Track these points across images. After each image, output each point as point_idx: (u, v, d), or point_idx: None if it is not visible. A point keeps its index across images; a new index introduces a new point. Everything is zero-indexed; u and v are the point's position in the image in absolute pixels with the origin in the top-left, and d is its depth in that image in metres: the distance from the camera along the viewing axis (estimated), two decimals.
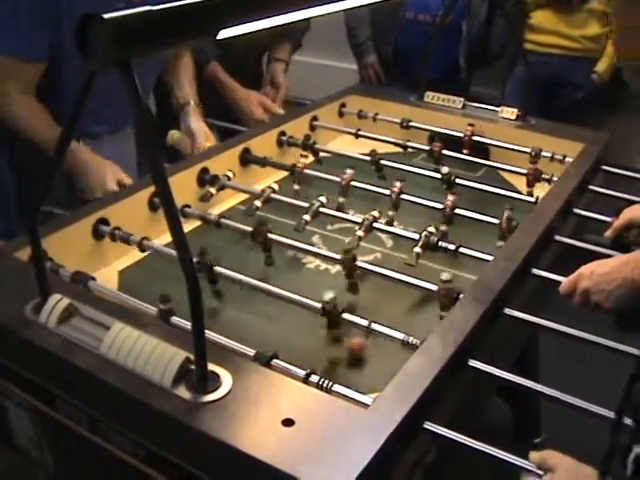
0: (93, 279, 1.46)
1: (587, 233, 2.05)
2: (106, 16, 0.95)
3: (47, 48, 1.94)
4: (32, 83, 1.97)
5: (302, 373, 1.19)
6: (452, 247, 1.60)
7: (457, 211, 1.79)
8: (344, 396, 1.15)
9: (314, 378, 1.18)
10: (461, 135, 2.25)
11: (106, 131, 2.16)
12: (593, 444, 1.20)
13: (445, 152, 2.17)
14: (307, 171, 2.01)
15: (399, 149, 2.27)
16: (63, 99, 1.95)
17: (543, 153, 2.10)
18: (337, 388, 1.16)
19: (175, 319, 1.32)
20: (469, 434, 1.11)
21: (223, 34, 1.12)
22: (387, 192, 1.86)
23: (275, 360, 1.22)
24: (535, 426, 2.63)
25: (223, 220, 1.72)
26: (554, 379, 1.39)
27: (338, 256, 1.55)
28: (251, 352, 1.24)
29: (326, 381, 1.17)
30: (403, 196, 1.85)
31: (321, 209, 1.75)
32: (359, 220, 1.71)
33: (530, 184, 2.00)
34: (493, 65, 3.51)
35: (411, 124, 2.34)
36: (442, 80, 2.95)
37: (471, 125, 2.25)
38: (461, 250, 1.60)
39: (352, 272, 1.53)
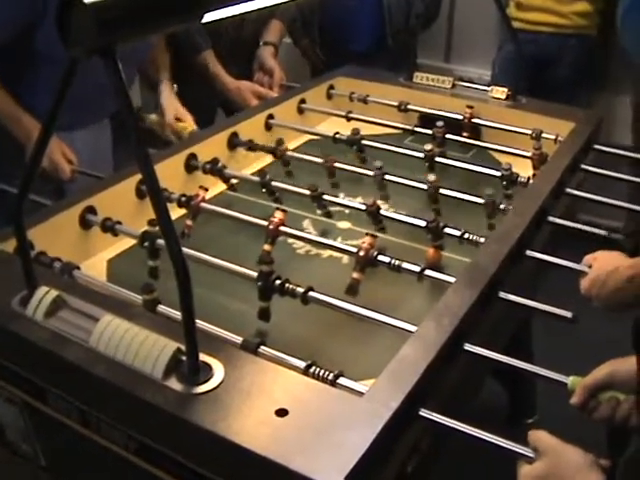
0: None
1: (580, 213, 2.04)
2: (87, 1, 0.92)
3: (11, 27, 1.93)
4: None
5: (295, 361, 1.17)
6: (458, 233, 1.57)
7: (443, 192, 1.76)
8: (338, 384, 1.13)
9: (307, 366, 1.16)
10: (453, 116, 2.23)
11: (81, 123, 2.14)
12: (587, 426, 1.21)
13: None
14: (295, 154, 1.98)
15: (390, 130, 2.25)
16: (38, 68, 1.95)
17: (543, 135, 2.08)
18: (331, 376, 1.14)
19: (162, 307, 1.30)
20: (465, 419, 1.10)
21: (208, 17, 1.10)
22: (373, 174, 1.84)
23: (263, 347, 1.20)
24: (530, 408, 2.63)
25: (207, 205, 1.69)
26: (548, 359, 1.38)
27: (326, 241, 1.58)
28: (238, 339, 1.23)
29: (319, 369, 1.15)
30: (390, 177, 1.83)
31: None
32: (355, 205, 1.72)
33: (535, 167, 1.97)
34: (425, 30, 3.50)
35: (409, 107, 2.32)
36: (371, 53, 3.09)
37: (470, 107, 2.23)
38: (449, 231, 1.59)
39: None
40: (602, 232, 1.65)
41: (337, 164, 1.91)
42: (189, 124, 2.25)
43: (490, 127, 2.21)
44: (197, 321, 1.05)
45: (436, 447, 1.21)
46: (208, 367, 1.08)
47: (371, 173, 1.85)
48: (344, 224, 1.81)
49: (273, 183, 1.80)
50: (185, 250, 1.07)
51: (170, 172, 1.79)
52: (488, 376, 1.92)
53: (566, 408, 1.20)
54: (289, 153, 2.00)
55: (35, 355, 1.17)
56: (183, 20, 1.10)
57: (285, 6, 3.07)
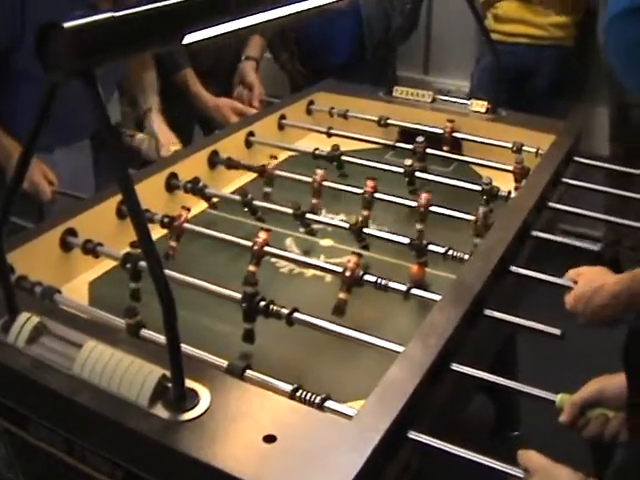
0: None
1: (561, 223, 2.05)
2: (66, 25, 0.91)
3: None
4: None
5: (281, 385, 1.16)
6: (442, 250, 1.57)
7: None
8: (326, 407, 1.12)
9: (294, 389, 1.15)
10: (433, 130, 2.22)
11: (61, 143, 2.12)
12: (570, 436, 1.21)
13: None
14: (277, 172, 1.97)
15: (370, 145, 2.25)
16: (18, 89, 1.96)
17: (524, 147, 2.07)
18: (318, 400, 1.12)
19: (145, 332, 1.28)
20: (453, 438, 1.09)
21: (188, 39, 1.09)
22: (358, 191, 1.83)
23: (249, 371, 1.19)
24: (515, 421, 2.62)
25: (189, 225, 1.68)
26: (534, 374, 1.38)
27: (311, 261, 1.56)
28: (224, 363, 1.21)
29: (306, 393, 1.14)
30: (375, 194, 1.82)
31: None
32: (338, 223, 1.71)
33: (517, 180, 1.97)
34: (404, 42, 3.51)
35: (389, 122, 2.31)
36: (350, 66, 3.10)
37: (450, 121, 2.22)
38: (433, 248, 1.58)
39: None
40: (584, 245, 1.65)
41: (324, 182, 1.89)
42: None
43: (471, 141, 2.20)
44: (182, 345, 1.03)
45: (427, 465, 1.20)
46: (194, 393, 1.06)
47: (354, 190, 1.84)
48: (327, 242, 1.79)
49: (255, 202, 1.79)
50: (167, 272, 1.06)
51: (151, 192, 1.77)
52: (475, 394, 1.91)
53: (550, 420, 1.20)
54: (274, 172, 1.97)
55: (17, 383, 1.15)
56: (163, 42, 1.09)
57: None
